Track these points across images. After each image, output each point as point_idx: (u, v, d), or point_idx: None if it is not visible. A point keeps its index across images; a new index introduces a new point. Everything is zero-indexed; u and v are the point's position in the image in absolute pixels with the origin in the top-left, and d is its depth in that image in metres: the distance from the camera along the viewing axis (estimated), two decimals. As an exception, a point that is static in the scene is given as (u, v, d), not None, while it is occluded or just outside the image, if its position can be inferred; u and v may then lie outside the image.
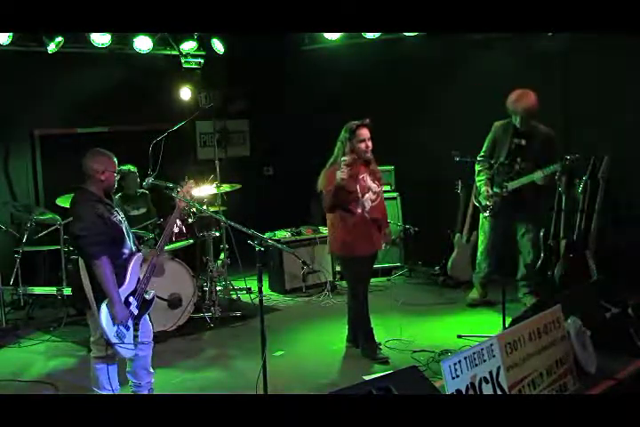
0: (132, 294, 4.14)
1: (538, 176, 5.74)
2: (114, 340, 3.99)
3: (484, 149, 6.16)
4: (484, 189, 6.05)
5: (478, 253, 6.47)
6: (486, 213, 6.13)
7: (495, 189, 6.01)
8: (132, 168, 6.52)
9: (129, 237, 4.23)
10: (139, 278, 4.22)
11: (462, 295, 6.73)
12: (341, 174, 4.86)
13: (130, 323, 4.10)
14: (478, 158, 6.12)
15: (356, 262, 5.20)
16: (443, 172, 6.55)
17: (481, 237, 6.37)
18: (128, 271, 4.14)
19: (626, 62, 6.26)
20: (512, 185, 5.83)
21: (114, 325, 4.01)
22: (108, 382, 4.21)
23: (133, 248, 4.26)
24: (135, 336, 4.11)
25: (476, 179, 6.19)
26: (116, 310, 3.99)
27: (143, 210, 6.69)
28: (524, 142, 5.94)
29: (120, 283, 4.07)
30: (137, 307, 4.15)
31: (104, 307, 3.98)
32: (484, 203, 6.13)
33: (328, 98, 8.19)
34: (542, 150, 5.88)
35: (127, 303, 4.10)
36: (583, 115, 6.53)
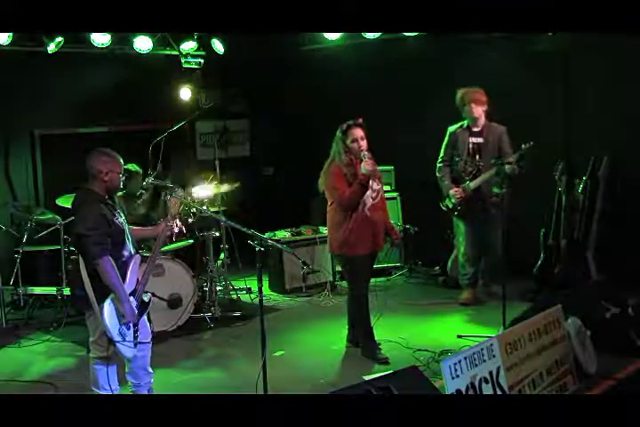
0: (132, 294, 4.15)
1: (509, 168, 5.80)
2: (117, 338, 3.99)
3: (441, 155, 6.43)
4: (451, 191, 6.29)
5: (460, 256, 6.56)
6: (455, 213, 6.38)
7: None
8: (138, 168, 6.50)
9: (129, 239, 4.23)
10: (137, 279, 4.22)
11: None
12: (367, 166, 4.92)
13: (131, 322, 4.11)
14: (438, 165, 6.42)
15: (356, 262, 5.20)
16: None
17: (459, 239, 6.51)
18: (128, 272, 4.15)
19: (626, 62, 6.26)
20: (476, 183, 6.18)
21: (118, 323, 4.02)
22: (107, 383, 4.20)
23: (132, 250, 4.26)
24: (135, 337, 4.12)
25: (441, 184, 6.42)
26: (124, 307, 4.00)
27: (143, 210, 6.68)
28: (481, 140, 6.24)
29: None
30: (137, 307, 4.15)
31: (107, 305, 3.98)
32: (451, 205, 6.36)
33: (328, 98, 8.19)
34: (498, 146, 6.19)
35: None
36: (583, 115, 6.53)
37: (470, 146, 6.24)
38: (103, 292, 4.00)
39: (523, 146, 5.79)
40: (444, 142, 6.41)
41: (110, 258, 3.97)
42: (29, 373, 5.28)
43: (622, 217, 6.28)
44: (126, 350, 4.06)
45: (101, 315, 3.96)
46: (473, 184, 6.20)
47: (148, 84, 7.88)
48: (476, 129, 6.24)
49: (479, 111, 6.16)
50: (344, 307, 5.63)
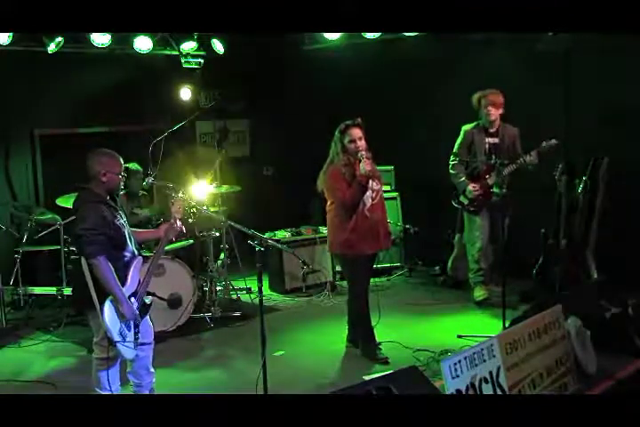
0: (134, 295, 4.15)
1: (531, 159, 6.01)
2: (117, 338, 3.99)
3: (455, 153, 6.42)
4: (470, 187, 6.33)
5: (474, 252, 6.48)
6: (471, 209, 6.40)
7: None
8: (139, 167, 6.50)
9: (130, 240, 4.22)
10: (139, 281, 4.22)
11: (462, 295, 6.74)
12: (366, 166, 4.91)
13: (131, 323, 4.11)
14: (451, 162, 6.43)
15: (356, 262, 5.20)
16: (443, 172, 6.56)
17: (476, 235, 6.44)
18: (129, 273, 4.15)
19: (626, 62, 6.26)
20: (493, 179, 6.25)
21: (119, 323, 4.01)
22: (107, 384, 4.19)
23: (135, 251, 4.25)
24: (136, 338, 4.11)
25: (456, 181, 6.44)
26: (123, 307, 3.99)
27: (144, 210, 6.68)
28: (497, 141, 6.34)
29: (121, 284, 4.06)
30: (137, 309, 4.15)
31: (108, 305, 3.98)
32: (467, 201, 6.39)
33: (328, 98, 8.19)
34: (512, 147, 6.33)
35: None
36: (584, 115, 6.53)
37: (487, 146, 6.32)
38: (106, 292, 4.00)
39: (544, 143, 5.91)
40: (459, 141, 6.42)
41: (105, 259, 3.96)
42: (29, 373, 5.28)
43: (622, 217, 6.28)
44: (126, 350, 4.06)
45: (102, 315, 3.96)
46: (491, 180, 6.27)
47: (148, 84, 7.88)
48: (491, 130, 6.32)
49: (496, 114, 6.24)
50: (344, 307, 5.62)
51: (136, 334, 4.11)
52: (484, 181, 6.31)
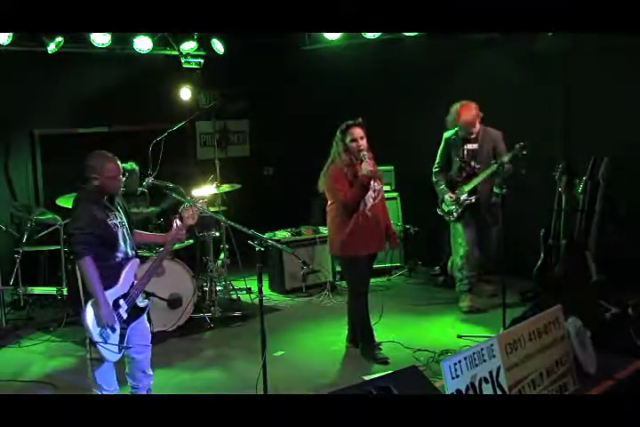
0: (124, 297, 4.10)
1: (498, 164, 5.81)
2: (97, 339, 3.93)
3: (437, 160, 6.43)
4: (447, 195, 6.27)
5: (458, 259, 6.39)
6: (452, 218, 6.33)
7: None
8: (135, 166, 6.49)
9: (125, 241, 4.15)
10: (133, 283, 4.16)
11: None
12: (368, 166, 4.92)
13: (117, 326, 4.04)
14: (434, 170, 6.43)
15: (356, 263, 5.19)
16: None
17: (458, 242, 6.36)
18: (122, 274, 4.10)
19: (626, 62, 6.26)
20: (470, 186, 6.17)
21: (98, 325, 3.96)
22: (104, 384, 4.16)
23: (130, 253, 4.18)
24: (121, 341, 4.06)
25: (437, 189, 6.42)
26: (101, 310, 3.93)
27: (143, 209, 6.68)
28: (476, 146, 6.24)
29: (111, 285, 4.02)
30: (126, 311, 4.10)
31: (90, 306, 3.94)
32: (447, 209, 6.33)
33: (328, 98, 8.19)
34: (493, 151, 6.18)
35: (117, 306, 4.05)
36: (583, 115, 6.53)
37: (465, 152, 6.23)
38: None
39: (516, 146, 5.77)
40: (440, 148, 6.39)
41: (91, 260, 3.93)
42: (29, 373, 5.28)
43: (622, 217, 6.28)
44: (107, 353, 3.99)
45: (84, 315, 3.93)
46: (467, 187, 6.19)
47: (147, 84, 7.88)
48: (471, 136, 6.22)
49: (474, 129, 6.15)
50: (344, 307, 5.63)
51: (122, 336, 4.06)
52: (460, 189, 6.23)
